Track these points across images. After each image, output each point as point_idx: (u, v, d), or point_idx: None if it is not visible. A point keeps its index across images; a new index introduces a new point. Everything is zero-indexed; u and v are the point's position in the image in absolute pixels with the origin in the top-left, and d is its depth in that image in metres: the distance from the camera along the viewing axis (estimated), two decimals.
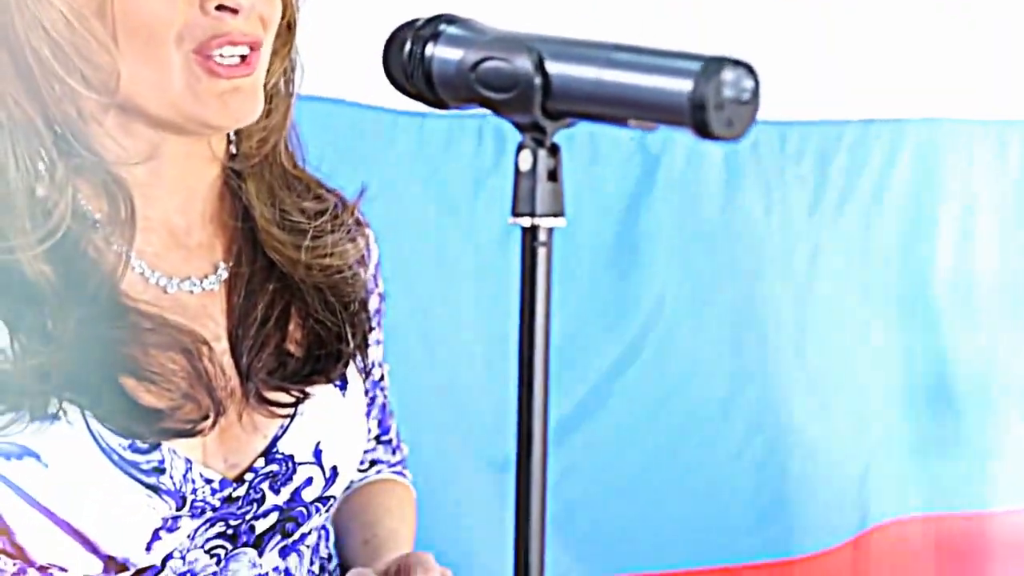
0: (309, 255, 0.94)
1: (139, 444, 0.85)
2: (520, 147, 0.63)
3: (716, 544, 1.75)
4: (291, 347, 0.93)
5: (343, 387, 0.96)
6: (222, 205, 0.94)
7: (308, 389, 0.92)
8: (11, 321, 0.83)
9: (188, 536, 0.87)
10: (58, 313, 0.82)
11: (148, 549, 0.86)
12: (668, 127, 0.58)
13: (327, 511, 0.97)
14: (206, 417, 0.87)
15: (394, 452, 1.13)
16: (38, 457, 0.83)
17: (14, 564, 0.86)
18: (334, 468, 0.94)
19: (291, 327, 0.94)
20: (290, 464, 0.92)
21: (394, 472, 1.13)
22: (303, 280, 0.94)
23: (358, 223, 1.00)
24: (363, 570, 0.96)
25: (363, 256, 1.00)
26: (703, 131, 0.56)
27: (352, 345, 0.96)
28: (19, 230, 0.82)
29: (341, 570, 1.04)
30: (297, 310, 0.94)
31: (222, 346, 0.91)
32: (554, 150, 0.63)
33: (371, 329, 0.99)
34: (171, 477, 0.86)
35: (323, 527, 1.00)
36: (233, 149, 0.92)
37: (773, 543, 1.78)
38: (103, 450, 0.84)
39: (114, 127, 0.86)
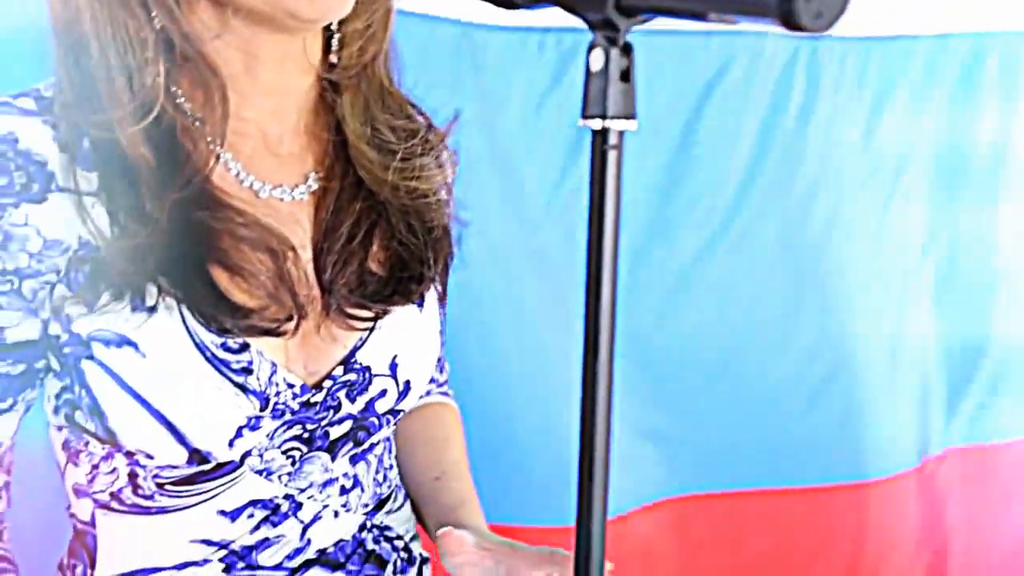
0: (397, 176, 0.95)
1: (230, 343, 0.88)
2: (591, 46, 0.61)
3: (780, 466, 1.75)
4: (373, 266, 0.95)
5: (420, 304, 0.98)
6: (316, 118, 0.95)
7: (387, 307, 0.94)
8: (111, 199, 0.85)
9: (267, 436, 0.91)
10: (155, 195, 0.85)
11: (231, 445, 0.89)
12: (751, 20, 0.55)
13: (395, 423, 1.00)
14: (290, 318, 0.89)
15: (441, 371, 1.16)
16: (136, 347, 0.86)
17: (103, 447, 0.90)
18: (407, 382, 0.97)
19: (375, 247, 0.96)
20: (367, 375, 0.94)
21: (441, 393, 1.16)
22: (389, 201, 0.96)
23: (446, 149, 1.01)
24: (463, 533, 0.97)
25: (449, 183, 1.01)
26: (790, 22, 0.53)
27: (433, 271, 0.97)
28: (117, 102, 0.84)
29: (412, 502, 1.07)
30: (382, 230, 0.96)
31: (307, 255, 0.93)
32: (627, 49, 0.61)
33: (452, 255, 1.01)
34: (257, 378, 0.89)
35: (388, 438, 1.03)
36: (333, 58, 0.93)
37: (835, 467, 1.77)
38: (197, 345, 0.87)
39: (208, 18, 0.87)
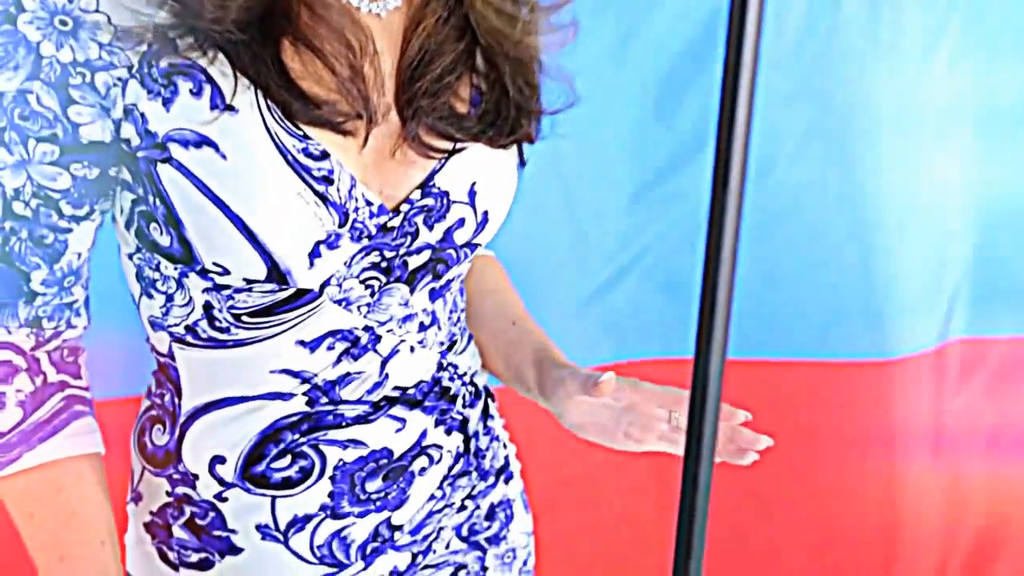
0: (519, 29, 0.96)
1: (311, 149, 0.88)
2: None
3: (806, 339, 1.82)
4: (458, 105, 0.96)
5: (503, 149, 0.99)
6: None
7: (470, 144, 0.95)
8: None
9: (345, 264, 0.92)
10: None
11: (311, 263, 0.90)
12: None
13: (470, 260, 1.02)
14: (359, 117, 0.89)
15: None
16: (216, 147, 0.86)
17: (176, 270, 0.92)
18: (486, 213, 0.97)
19: (466, 85, 0.96)
20: (445, 201, 0.95)
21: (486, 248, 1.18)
22: (495, 48, 0.96)
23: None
24: (575, 373, 1.01)
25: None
26: None
27: (525, 126, 0.99)
28: None
29: (487, 352, 1.12)
30: (477, 71, 0.97)
31: (387, 67, 0.93)
32: None
33: (540, 114, 1.01)
34: (338, 190, 0.89)
35: (461, 281, 1.06)
36: None
37: (858, 343, 1.84)
38: (278, 147, 0.87)
39: None
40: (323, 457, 0.97)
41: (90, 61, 0.85)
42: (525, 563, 1.15)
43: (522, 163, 1.02)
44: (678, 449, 0.99)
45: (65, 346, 0.95)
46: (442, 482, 1.05)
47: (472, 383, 1.08)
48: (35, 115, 0.87)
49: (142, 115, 0.87)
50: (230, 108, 0.86)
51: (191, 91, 0.86)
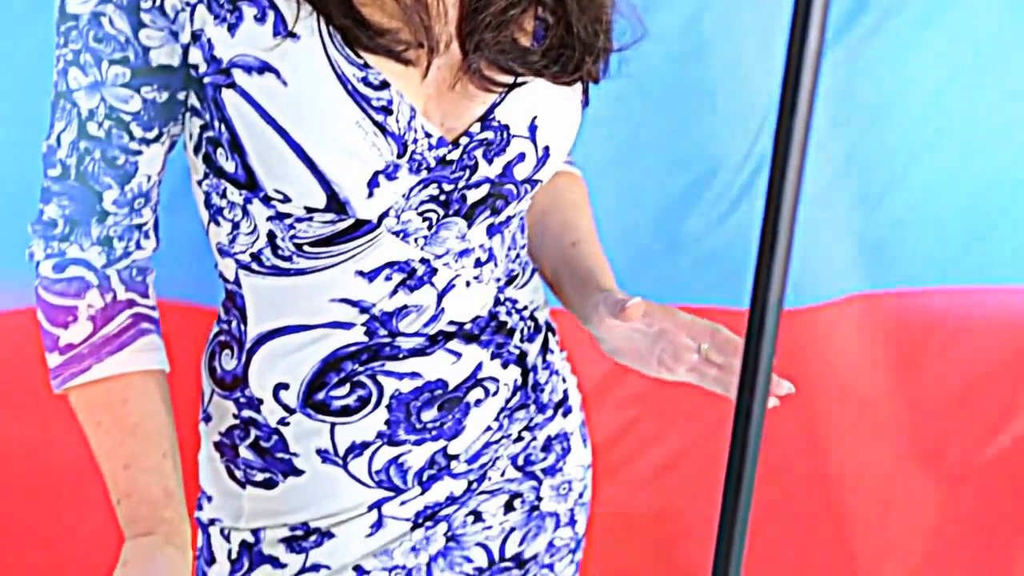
0: None
1: (371, 79, 0.90)
2: None
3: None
4: (521, 38, 0.96)
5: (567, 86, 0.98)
6: None
7: (533, 78, 0.96)
8: None
9: (403, 195, 0.94)
10: None
11: (369, 194, 0.92)
12: None
13: (531, 197, 1.01)
14: (420, 46, 0.91)
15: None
16: (277, 74, 0.89)
17: (240, 194, 0.95)
18: (547, 148, 0.97)
19: (531, 18, 0.97)
20: (505, 134, 0.95)
21: (568, 162, 1.17)
22: None
23: None
24: (608, 296, 1.02)
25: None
26: None
27: (590, 63, 0.98)
28: None
29: (546, 272, 1.12)
30: (543, 4, 0.97)
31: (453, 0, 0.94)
32: None
33: (608, 53, 1.01)
34: (397, 120, 0.91)
35: (523, 217, 1.06)
36: None
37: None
38: (339, 76, 0.89)
39: None
40: (380, 387, 0.99)
41: None
42: (581, 495, 1.17)
43: (586, 102, 1.02)
44: (703, 382, 1.01)
45: (135, 266, 0.99)
46: (499, 414, 1.06)
47: (532, 318, 1.09)
48: (108, 37, 0.90)
49: (208, 41, 0.89)
50: (292, 35, 0.88)
51: (255, 17, 0.88)
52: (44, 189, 0.96)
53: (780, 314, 0.63)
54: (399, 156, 0.92)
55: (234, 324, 1.02)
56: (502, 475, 1.09)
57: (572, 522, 1.17)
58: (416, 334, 0.99)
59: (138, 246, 0.98)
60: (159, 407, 0.98)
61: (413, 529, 1.05)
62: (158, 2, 0.89)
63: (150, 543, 0.95)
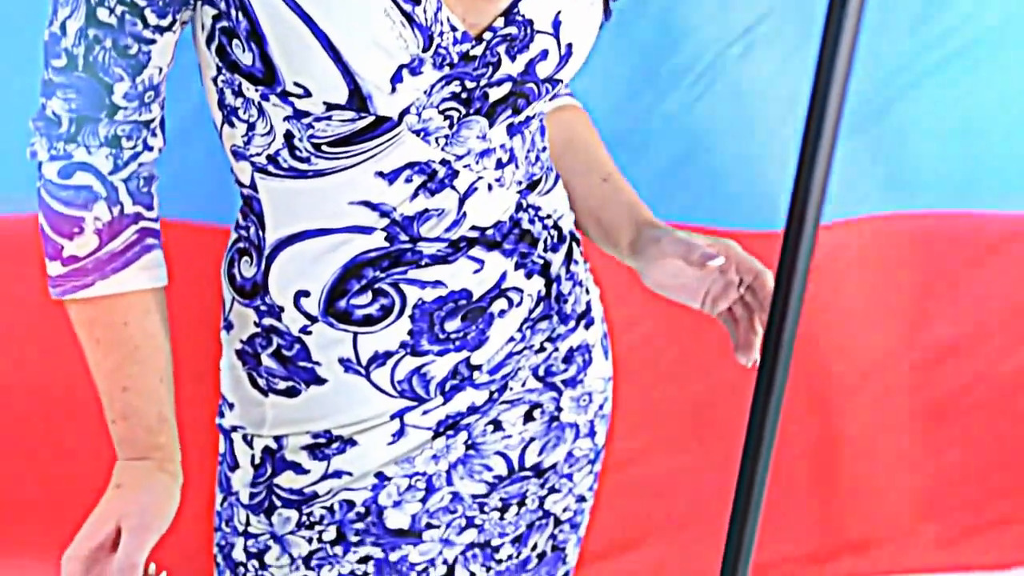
0: None
1: None
2: None
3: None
4: None
5: None
6: None
7: None
8: None
9: (426, 92, 0.92)
10: None
11: (392, 89, 0.90)
12: None
13: (552, 96, 1.00)
14: None
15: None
16: None
17: (257, 91, 0.92)
18: (569, 46, 0.96)
19: None
20: (528, 30, 0.93)
21: (569, 95, 1.17)
22: None
23: None
24: (673, 236, 1.05)
25: None
26: None
27: None
28: None
29: (579, 209, 1.13)
30: None
31: None
32: None
33: None
34: (424, 11, 0.88)
35: (542, 120, 1.05)
36: None
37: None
38: None
39: None
40: (403, 296, 0.99)
41: None
42: (601, 407, 1.17)
43: (607, 14, 1.00)
44: (732, 327, 1.05)
45: (141, 172, 0.96)
46: (522, 325, 1.06)
47: (556, 227, 1.08)
48: None
49: None
50: None
51: None
52: (46, 82, 0.92)
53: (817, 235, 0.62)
54: (424, 50, 0.89)
55: (252, 231, 1.00)
56: (523, 385, 1.09)
57: (592, 433, 1.17)
58: (438, 239, 0.98)
59: (146, 146, 0.95)
60: (158, 329, 0.98)
61: (434, 438, 1.05)
62: None
63: (143, 468, 0.96)
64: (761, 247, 1.19)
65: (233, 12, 0.88)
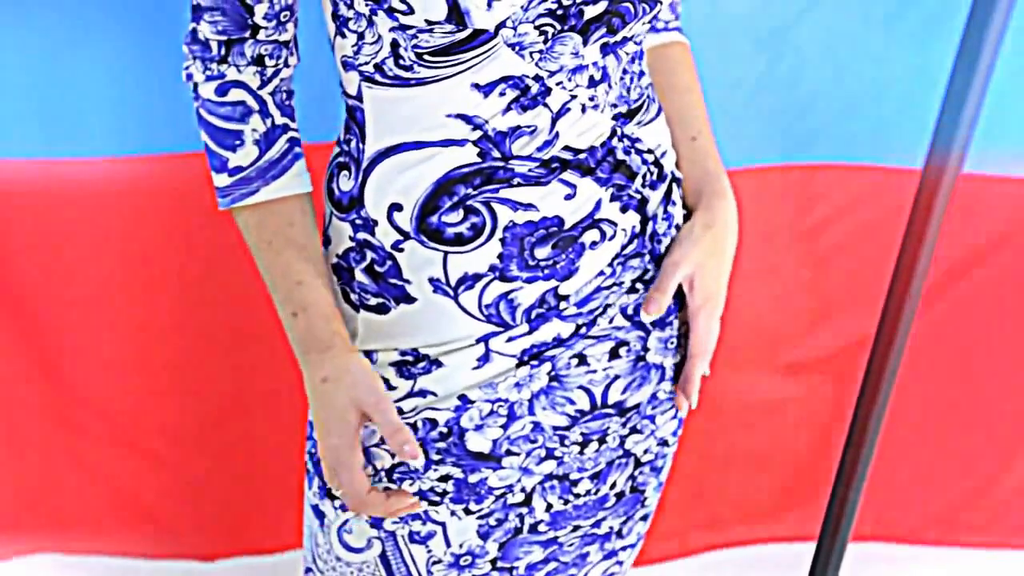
0: None
1: None
2: None
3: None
4: None
5: None
6: None
7: None
8: None
9: (522, 7, 0.94)
10: None
11: (488, 5, 0.93)
12: None
13: (650, 18, 1.02)
14: None
15: (674, 10, 1.20)
16: None
17: (366, 4, 0.97)
18: None
19: None
20: None
21: (677, 29, 1.19)
22: None
23: None
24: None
25: None
26: None
27: None
28: None
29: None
30: None
31: None
32: None
33: None
34: None
35: (640, 44, 1.06)
36: None
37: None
38: None
39: None
40: (494, 216, 1.00)
41: None
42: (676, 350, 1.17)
43: None
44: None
45: (283, 87, 1.04)
46: (613, 260, 1.06)
47: (657, 164, 1.08)
48: None
49: None
50: None
51: None
52: (195, 6, 1.00)
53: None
54: None
55: (353, 144, 1.04)
56: (610, 322, 1.09)
57: (676, 377, 1.17)
58: (529, 158, 1.00)
59: (285, 63, 1.03)
60: (314, 227, 1.05)
61: (518, 366, 1.06)
62: None
63: (338, 355, 1.02)
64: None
65: None
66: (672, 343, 1.15)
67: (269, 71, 1.02)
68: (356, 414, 1.02)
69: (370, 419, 1.03)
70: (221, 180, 1.03)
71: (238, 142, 1.02)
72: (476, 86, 0.97)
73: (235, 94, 1.01)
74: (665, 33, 1.17)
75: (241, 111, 1.01)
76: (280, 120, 1.03)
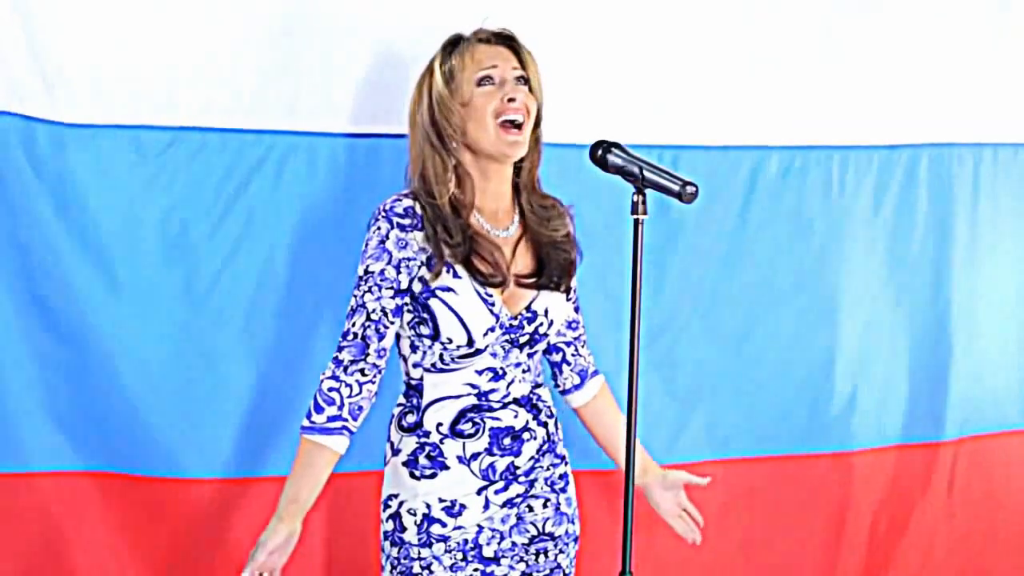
0: (547, 228, 2.09)
1: (486, 293, 2.02)
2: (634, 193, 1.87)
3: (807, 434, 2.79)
4: (531, 268, 2.07)
5: (561, 292, 2.10)
6: (512, 201, 2.09)
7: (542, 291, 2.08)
8: (435, 233, 2.02)
9: (496, 339, 2.06)
10: (453, 228, 1.99)
11: (484, 336, 2.05)
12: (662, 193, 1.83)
13: (547, 340, 2.14)
14: (503, 281, 2.00)
15: (588, 352, 2.29)
16: (454, 291, 2.02)
17: (427, 338, 2.06)
18: (551, 320, 2.09)
19: (534, 260, 2.07)
20: (535, 314, 2.05)
21: (595, 373, 2.31)
22: (544, 240, 2.08)
23: (567, 215, 2.14)
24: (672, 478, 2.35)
25: (570, 233, 2.12)
26: (682, 199, 1.79)
27: (564, 281, 2.10)
28: (440, 183, 2.01)
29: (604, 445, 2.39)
30: (543, 253, 2.08)
31: (508, 255, 2.04)
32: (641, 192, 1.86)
33: (574, 271, 2.14)
34: (495, 306, 2.03)
35: (542, 352, 2.22)
36: (515, 177, 2.08)
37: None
38: (477, 292, 2.04)
39: (468, 157, 2.03)
40: (484, 424, 2.08)
41: (407, 258, 1.99)
42: (574, 509, 2.23)
43: (569, 300, 2.23)
44: (679, 527, 2.37)
45: (362, 399, 2.02)
46: (537, 451, 2.14)
47: (549, 408, 2.20)
48: (385, 279, 2.00)
49: (423, 278, 1.99)
50: (458, 276, 1.99)
51: (446, 270, 1.98)
52: (338, 351, 2.00)
53: None
54: (495, 322, 2.01)
55: (413, 400, 2.06)
56: (541, 488, 2.14)
57: (572, 521, 2.21)
58: (498, 401, 2.06)
59: (371, 382, 2.02)
60: (326, 473, 1.99)
61: (501, 508, 2.09)
62: (407, 264, 1.98)
63: (277, 519, 1.95)
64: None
65: (422, 313, 1.99)
66: (569, 502, 2.20)
67: (362, 392, 2.00)
68: (284, 539, 1.93)
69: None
70: (316, 418, 1.97)
71: (329, 407, 1.98)
72: (476, 371, 2.02)
73: (336, 391, 1.99)
74: (587, 384, 2.32)
75: (336, 396, 1.98)
76: (352, 425, 2.01)
